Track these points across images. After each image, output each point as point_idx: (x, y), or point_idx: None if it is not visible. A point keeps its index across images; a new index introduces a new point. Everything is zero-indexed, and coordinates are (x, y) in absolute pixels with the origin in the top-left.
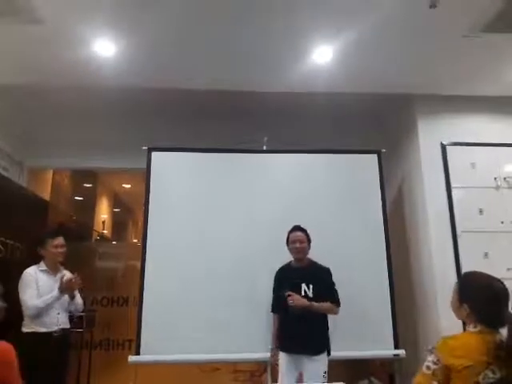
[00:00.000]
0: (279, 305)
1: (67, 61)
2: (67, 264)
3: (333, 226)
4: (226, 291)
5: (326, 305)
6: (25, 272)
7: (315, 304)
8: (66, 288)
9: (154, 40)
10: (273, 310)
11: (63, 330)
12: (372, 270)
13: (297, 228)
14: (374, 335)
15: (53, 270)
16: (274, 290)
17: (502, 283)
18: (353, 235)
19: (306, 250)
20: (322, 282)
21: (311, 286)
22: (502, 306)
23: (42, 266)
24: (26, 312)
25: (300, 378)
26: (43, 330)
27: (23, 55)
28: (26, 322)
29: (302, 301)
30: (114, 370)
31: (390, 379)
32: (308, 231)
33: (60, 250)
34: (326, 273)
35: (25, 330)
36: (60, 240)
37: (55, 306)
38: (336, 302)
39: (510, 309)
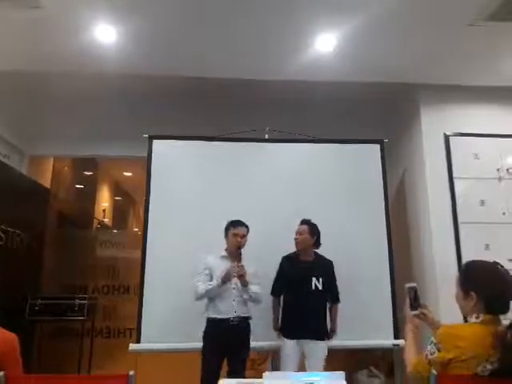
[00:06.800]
0: (280, 289)
1: (68, 47)
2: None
3: (334, 215)
4: None
5: (335, 316)
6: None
7: (336, 328)
8: (225, 278)
9: (155, 27)
10: (273, 293)
11: (240, 317)
12: (373, 261)
13: (301, 221)
14: (374, 325)
15: (232, 256)
16: (278, 274)
17: (503, 267)
18: (354, 225)
19: (305, 243)
20: (329, 275)
21: (321, 280)
22: (508, 289)
23: (223, 252)
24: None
25: (302, 363)
26: (219, 316)
27: (23, 41)
28: (206, 307)
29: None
30: (115, 358)
31: (390, 369)
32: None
33: (237, 238)
34: (330, 266)
35: (205, 315)
36: (240, 230)
37: (231, 293)
38: (338, 300)
39: None
